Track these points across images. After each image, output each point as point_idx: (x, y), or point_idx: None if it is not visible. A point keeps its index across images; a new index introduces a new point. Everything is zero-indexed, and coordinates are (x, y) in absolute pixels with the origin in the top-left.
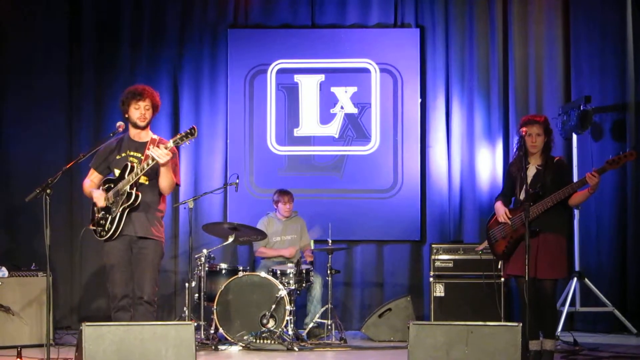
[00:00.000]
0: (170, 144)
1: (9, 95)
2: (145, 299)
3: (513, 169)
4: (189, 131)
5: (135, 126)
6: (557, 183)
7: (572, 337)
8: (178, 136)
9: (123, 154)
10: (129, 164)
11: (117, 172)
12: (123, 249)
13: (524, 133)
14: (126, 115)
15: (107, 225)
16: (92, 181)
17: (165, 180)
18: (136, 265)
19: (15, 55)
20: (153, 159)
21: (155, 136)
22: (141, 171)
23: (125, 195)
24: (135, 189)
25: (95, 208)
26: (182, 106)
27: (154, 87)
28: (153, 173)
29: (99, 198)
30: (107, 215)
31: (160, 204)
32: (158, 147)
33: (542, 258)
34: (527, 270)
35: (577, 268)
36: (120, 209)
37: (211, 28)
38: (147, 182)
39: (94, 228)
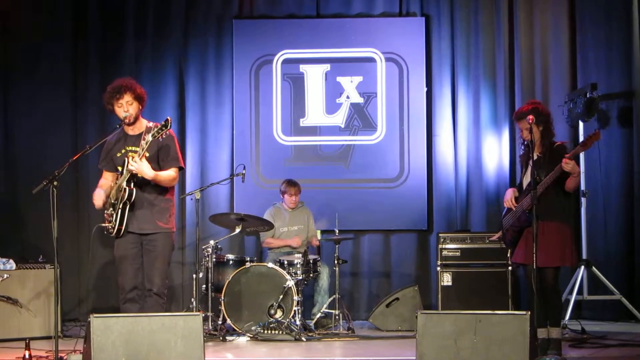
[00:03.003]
0: (149, 138)
1: (14, 85)
2: (155, 291)
3: (521, 157)
4: (163, 123)
5: (124, 122)
6: (551, 170)
7: (579, 325)
8: (155, 130)
9: (122, 151)
10: (127, 159)
11: (119, 169)
12: (132, 243)
13: (530, 122)
14: (114, 114)
15: (113, 222)
16: (106, 179)
17: (161, 183)
18: (146, 258)
19: (20, 45)
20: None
21: (150, 124)
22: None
23: (122, 190)
24: (132, 184)
25: (106, 205)
26: (188, 97)
27: (159, 78)
28: (155, 163)
29: (97, 198)
30: (113, 212)
31: (167, 193)
32: (143, 145)
33: (542, 247)
34: (535, 259)
35: (584, 256)
36: (121, 205)
37: (216, 19)
38: None
39: (105, 225)
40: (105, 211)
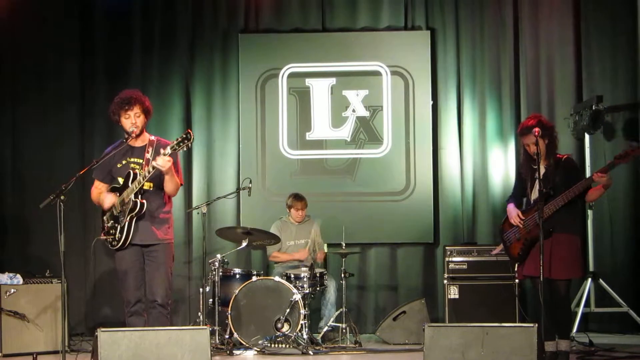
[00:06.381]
0: (168, 150)
1: (23, 101)
2: (159, 302)
3: (523, 170)
4: (185, 136)
5: (131, 135)
6: (566, 182)
7: (587, 338)
8: (175, 142)
9: (124, 162)
10: (132, 172)
11: (120, 180)
12: (134, 255)
13: (537, 134)
14: (120, 125)
15: (117, 235)
16: (97, 189)
17: (170, 185)
18: (148, 270)
19: (28, 61)
20: (154, 167)
21: (152, 137)
22: (144, 179)
23: (131, 203)
24: (140, 196)
25: (104, 217)
26: (194, 112)
27: (165, 92)
28: (156, 178)
29: (107, 200)
30: (116, 225)
31: (166, 205)
32: (158, 153)
33: (556, 258)
34: (542, 271)
35: (591, 268)
36: (128, 218)
37: (222, 34)
38: (151, 188)
39: (105, 238)
40: (105, 224)
